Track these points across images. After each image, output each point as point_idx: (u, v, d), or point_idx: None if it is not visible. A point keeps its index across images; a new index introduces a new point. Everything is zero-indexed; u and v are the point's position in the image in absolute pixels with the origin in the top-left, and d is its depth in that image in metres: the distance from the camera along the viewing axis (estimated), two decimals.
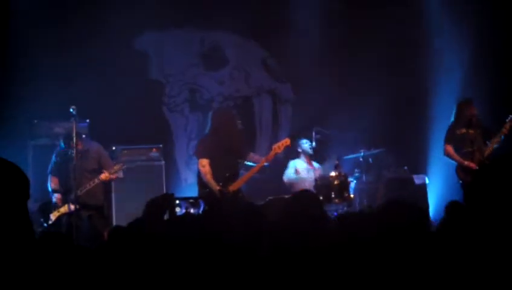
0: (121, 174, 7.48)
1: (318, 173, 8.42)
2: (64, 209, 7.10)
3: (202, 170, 6.94)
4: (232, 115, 7.33)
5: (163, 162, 8.66)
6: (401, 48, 9.61)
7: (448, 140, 7.85)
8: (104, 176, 7.22)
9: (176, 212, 6.22)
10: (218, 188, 6.81)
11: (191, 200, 7.73)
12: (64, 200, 7.12)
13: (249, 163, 7.27)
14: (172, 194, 6.97)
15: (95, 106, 8.26)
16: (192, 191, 8.01)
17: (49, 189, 7.30)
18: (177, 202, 7.44)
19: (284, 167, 8.53)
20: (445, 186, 8.69)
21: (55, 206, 7.15)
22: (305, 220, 3.55)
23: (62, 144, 7.19)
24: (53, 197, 7.20)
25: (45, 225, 7.09)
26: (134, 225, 2.85)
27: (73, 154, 6.88)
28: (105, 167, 7.32)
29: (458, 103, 7.96)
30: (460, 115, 7.80)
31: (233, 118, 7.22)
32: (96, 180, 7.18)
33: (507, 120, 7.59)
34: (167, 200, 4.39)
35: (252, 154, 7.28)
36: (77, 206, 6.91)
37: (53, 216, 7.12)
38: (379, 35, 9.63)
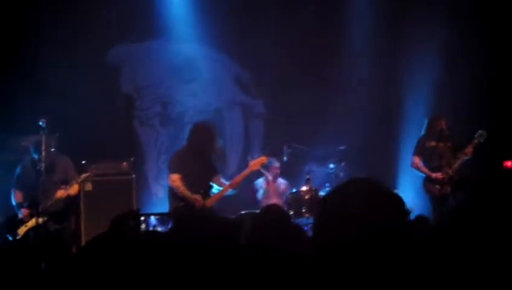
0: (89, 187, 7.41)
1: (284, 187, 8.50)
2: (31, 223, 6.98)
3: (173, 184, 6.86)
4: (214, 133, 7.14)
5: (133, 176, 8.58)
6: (371, 62, 9.71)
7: (416, 152, 7.97)
8: (72, 190, 7.14)
9: (140, 229, 6.15)
10: (196, 197, 6.73)
11: (157, 217, 7.67)
12: (31, 214, 7.00)
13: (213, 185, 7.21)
14: (138, 210, 6.92)
15: (65, 119, 8.17)
16: (163, 206, 7.95)
17: (14, 203, 7.18)
18: (142, 218, 7.36)
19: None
20: (415, 200, 8.77)
21: (22, 221, 7.03)
22: (273, 233, 3.55)
23: (33, 152, 7.06)
24: (19, 212, 7.08)
25: (11, 238, 6.95)
26: (98, 241, 2.82)
27: (42, 168, 6.80)
28: (71, 179, 7.23)
29: (429, 117, 8.08)
30: (430, 129, 7.92)
31: (214, 136, 7.07)
32: (63, 190, 7.08)
33: (475, 136, 7.73)
34: (132, 217, 4.34)
35: (219, 177, 7.19)
36: (45, 219, 6.82)
37: (21, 231, 6.99)
38: (352, 52, 9.72)
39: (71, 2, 8.99)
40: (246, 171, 7.12)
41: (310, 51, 9.82)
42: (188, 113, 9.99)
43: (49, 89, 8.47)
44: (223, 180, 7.16)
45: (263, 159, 7.29)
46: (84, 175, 7.24)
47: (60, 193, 7.07)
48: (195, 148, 6.94)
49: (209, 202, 6.83)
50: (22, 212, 7.05)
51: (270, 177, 8.58)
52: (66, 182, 7.18)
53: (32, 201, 7.02)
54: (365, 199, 1.71)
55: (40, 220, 6.83)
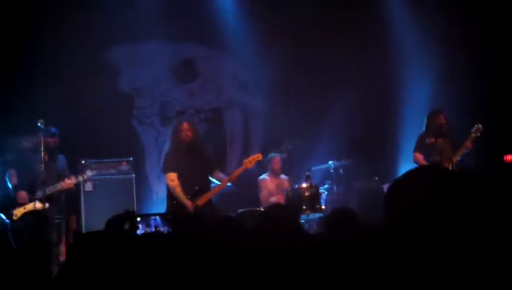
0: (90, 187, 7.41)
1: (287, 183, 8.47)
2: (30, 206, 7.00)
3: (171, 184, 6.91)
4: (184, 125, 7.13)
5: (133, 175, 8.58)
6: (371, 59, 9.68)
7: (417, 149, 8.02)
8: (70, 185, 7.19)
9: (135, 231, 6.14)
10: (188, 202, 6.78)
11: (156, 217, 7.68)
12: (31, 199, 7.04)
13: (213, 180, 7.23)
14: (134, 212, 6.92)
15: (65, 119, 8.16)
16: (164, 205, 7.96)
17: (9, 185, 7.17)
18: (139, 219, 7.38)
19: (255, 178, 8.58)
20: None
21: (19, 203, 7.02)
22: (277, 234, 3.54)
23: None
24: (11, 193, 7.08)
25: (4, 218, 6.90)
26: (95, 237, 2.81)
27: (41, 169, 6.82)
28: (67, 176, 7.33)
29: (428, 113, 8.11)
30: (430, 125, 7.98)
31: (185, 127, 7.06)
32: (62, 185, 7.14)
33: (472, 130, 7.74)
34: (128, 218, 4.30)
35: (217, 172, 7.22)
36: (46, 206, 6.88)
37: (17, 213, 6.97)
38: (349, 47, 9.69)
39: (70, 2, 8.98)
40: (240, 169, 7.13)
41: (309, 48, 9.80)
42: (188, 113, 9.98)
43: (48, 89, 8.45)
44: (221, 175, 7.18)
45: (258, 156, 7.26)
46: (81, 177, 7.28)
47: (68, 183, 7.13)
48: (178, 146, 6.98)
49: (201, 201, 6.84)
50: (19, 195, 7.05)
51: (271, 173, 8.54)
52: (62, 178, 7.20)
53: (31, 186, 7.06)
54: (434, 182, 1.73)
55: (41, 205, 6.87)
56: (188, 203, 6.77)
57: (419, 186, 1.73)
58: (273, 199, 8.22)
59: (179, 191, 6.82)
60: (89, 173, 7.39)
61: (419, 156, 7.97)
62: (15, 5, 8.69)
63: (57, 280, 3.06)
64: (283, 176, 8.64)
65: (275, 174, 8.58)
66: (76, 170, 7.67)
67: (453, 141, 7.91)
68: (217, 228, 3.79)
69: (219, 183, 7.12)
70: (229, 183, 7.17)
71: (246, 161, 7.15)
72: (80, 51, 8.87)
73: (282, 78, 9.89)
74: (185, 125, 7.12)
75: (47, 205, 6.94)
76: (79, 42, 8.83)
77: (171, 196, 6.97)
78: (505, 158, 9.08)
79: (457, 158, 7.76)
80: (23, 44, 8.70)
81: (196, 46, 10.06)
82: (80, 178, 7.28)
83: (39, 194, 6.93)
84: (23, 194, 7.06)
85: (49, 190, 7.03)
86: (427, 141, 7.97)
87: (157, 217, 8.01)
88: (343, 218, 3.83)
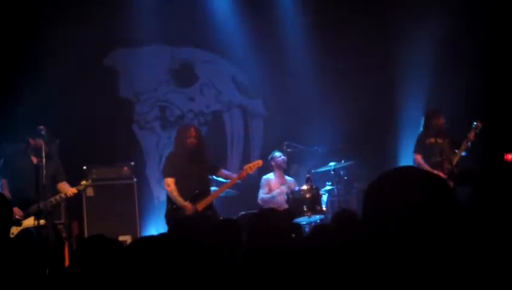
0: (91, 192, 7.39)
1: (291, 186, 8.40)
2: (28, 222, 6.67)
3: (167, 189, 6.97)
4: (191, 130, 7.10)
5: (134, 180, 8.60)
6: (369, 61, 9.72)
7: (417, 150, 7.98)
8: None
9: None
10: (186, 204, 6.79)
11: None
12: (28, 214, 6.70)
13: (219, 179, 7.26)
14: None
15: (65, 125, 8.18)
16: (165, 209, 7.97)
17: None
18: None
19: (257, 181, 8.52)
20: None
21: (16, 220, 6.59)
22: (268, 237, 3.55)
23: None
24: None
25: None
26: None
27: (43, 175, 6.77)
28: (63, 179, 7.13)
29: (426, 113, 8.09)
30: (428, 125, 7.94)
31: (192, 133, 7.02)
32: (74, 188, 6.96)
33: (472, 126, 7.74)
34: None
35: (222, 171, 7.26)
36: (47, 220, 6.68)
37: (13, 231, 6.53)
38: (347, 50, 9.73)
39: (69, 8, 9.00)
40: (241, 175, 7.13)
41: (307, 50, 9.83)
42: (187, 117, 9.99)
43: (48, 95, 8.46)
44: (227, 172, 7.22)
45: (259, 162, 7.26)
46: (84, 182, 7.08)
47: (71, 191, 6.89)
48: (180, 149, 6.98)
49: (201, 205, 6.85)
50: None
51: (277, 172, 8.43)
52: (55, 181, 7.00)
53: (25, 200, 6.71)
54: (410, 184, 1.72)
55: (43, 221, 6.64)
56: (186, 204, 6.79)
57: (395, 189, 1.71)
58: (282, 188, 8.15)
59: (175, 195, 6.85)
60: (90, 178, 7.23)
61: (420, 158, 7.93)
62: (13, 13, 8.70)
63: (61, 283, 3.09)
64: (288, 178, 8.56)
65: (280, 173, 8.49)
66: (78, 176, 7.63)
67: (453, 141, 7.90)
68: (218, 231, 3.82)
69: (226, 181, 7.16)
70: (238, 181, 7.19)
71: (247, 166, 7.15)
72: (80, 55, 8.86)
73: (281, 80, 9.92)
74: (193, 131, 7.09)
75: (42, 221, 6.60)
76: (79, 47, 8.84)
77: (170, 200, 6.99)
78: (505, 157, 9.08)
79: (458, 158, 7.75)
80: (21, 52, 8.70)
81: (194, 49, 10.08)
82: (81, 187, 7.01)
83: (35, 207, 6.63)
84: (16, 210, 6.55)
85: (54, 202, 6.75)
86: (427, 141, 7.94)
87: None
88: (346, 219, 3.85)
